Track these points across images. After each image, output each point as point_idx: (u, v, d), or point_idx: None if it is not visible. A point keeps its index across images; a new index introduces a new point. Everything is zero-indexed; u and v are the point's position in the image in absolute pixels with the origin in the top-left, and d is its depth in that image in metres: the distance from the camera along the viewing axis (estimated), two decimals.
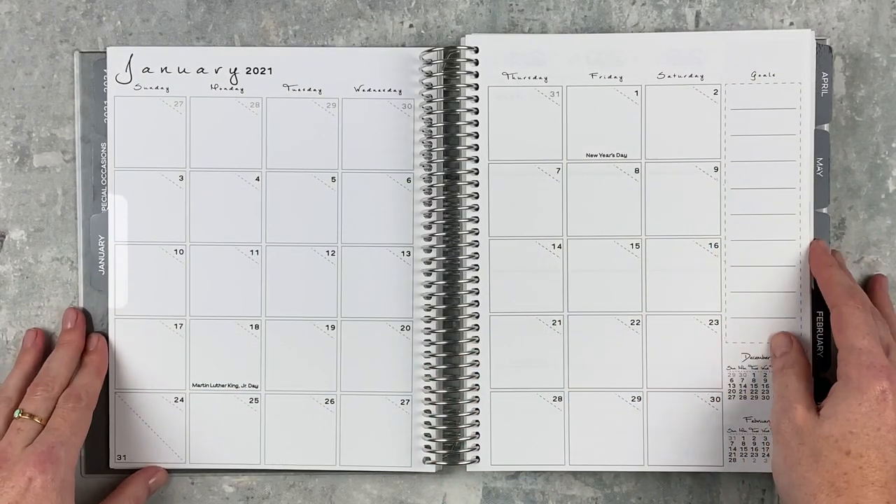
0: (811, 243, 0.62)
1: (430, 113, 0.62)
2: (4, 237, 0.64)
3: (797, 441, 0.56)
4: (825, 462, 0.54)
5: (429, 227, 0.62)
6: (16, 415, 0.59)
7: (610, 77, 0.62)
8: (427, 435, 0.62)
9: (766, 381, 0.62)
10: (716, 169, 0.62)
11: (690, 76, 0.62)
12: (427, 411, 0.62)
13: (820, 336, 0.62)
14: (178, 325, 0.63)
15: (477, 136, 0.62)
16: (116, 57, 0.63)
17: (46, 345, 0.64)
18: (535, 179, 0.62)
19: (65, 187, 0.64)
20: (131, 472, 0.63)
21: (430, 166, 0.62)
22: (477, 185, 0.62)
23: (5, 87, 0.64)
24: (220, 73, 0.63)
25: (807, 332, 0.62)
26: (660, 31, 0.64)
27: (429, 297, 0.62)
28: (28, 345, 0.64)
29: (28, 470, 0.56)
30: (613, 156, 0.62)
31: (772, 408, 0.59)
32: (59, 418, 0.59)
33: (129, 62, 0.63)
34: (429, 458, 0.62)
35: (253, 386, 0.63)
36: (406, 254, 0.63)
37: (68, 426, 0.59)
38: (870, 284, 0.63)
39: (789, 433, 0.57)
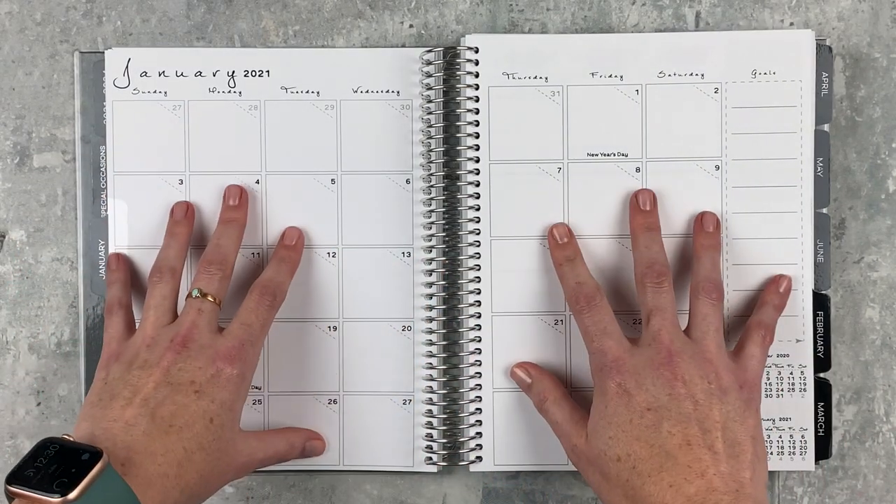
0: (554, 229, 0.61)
1: (429, 113, 0.62)
2: (4, 237, 0.64)
3: (590, 469, 0.55)
4: (611, 478, 0.52)
5: (429, 228, 0.62)
6: (194, 294, 0.55)
7: (610, 76, 0.62)
8: (428, 435, 0.62)
9: (768, 378, 0.62)
10: (717, 167, 0.62)
11: (691, 74, 0.62)
12: (428, 411, 0.62)
13: (820, 336, 0.62)
14: None
15: (477, 137, 0.62)
16: (114, 61, 0.63)
17: (196, 220, 0.61)
18: (536, 179, 0.62)
19: (65, 187, 0.64)
20: None
21: (430, 167, 0.62)
22: (478, 185, 0.62)
23: (5, 87, 0.64)
24: (217, 76, 0.63)
25: (808, 330, 0.62)
26: (660, 31, 0.64)
27: (430, 297, 0.62)
28: (179, 217, 0.61)
29: (218, 360, 0.53)
30: (614, 155, 0.62)
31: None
32: (251, 314, 0.56)
33: (127, 66, 0.63)
34: (430, 458, 0.62)
35: (256, 388, 0.63)
36: (406, 254, 0.63)
37: (260, 325, 0.55)
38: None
39: (581, 465, 0.56)
